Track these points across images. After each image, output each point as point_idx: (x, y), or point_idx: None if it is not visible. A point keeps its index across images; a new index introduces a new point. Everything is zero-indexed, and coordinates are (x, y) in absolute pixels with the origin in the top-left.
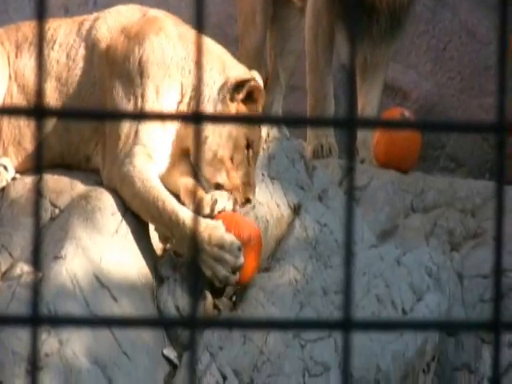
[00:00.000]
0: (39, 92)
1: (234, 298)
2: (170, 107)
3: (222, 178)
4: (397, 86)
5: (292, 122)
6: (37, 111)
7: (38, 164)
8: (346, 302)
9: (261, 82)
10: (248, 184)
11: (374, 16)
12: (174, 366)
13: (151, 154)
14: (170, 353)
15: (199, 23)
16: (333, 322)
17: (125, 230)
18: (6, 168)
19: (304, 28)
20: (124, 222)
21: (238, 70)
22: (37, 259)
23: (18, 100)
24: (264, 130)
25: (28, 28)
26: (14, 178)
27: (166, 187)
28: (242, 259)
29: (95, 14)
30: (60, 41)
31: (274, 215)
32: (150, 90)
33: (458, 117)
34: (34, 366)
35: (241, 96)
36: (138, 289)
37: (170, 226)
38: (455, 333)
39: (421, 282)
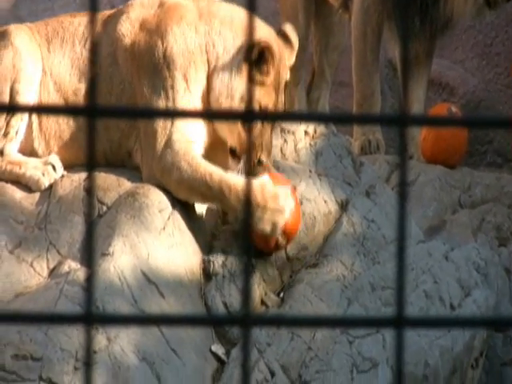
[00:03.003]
0: (92, 91)
1: (281, 295)
2: (199, 93)
3: (234, 141)
4: (444, 81)
5: (344, 120)
6: (89, 110)
7: (89, 164)
8: (398, 299)
9: (293, 36)
10: (260, 146)
11: (428, 14)
12: (221, 363)
13: (190, 139)
14: (218, 349)
15: (250, 19)
16: (385, 319)
17: (172, 227)
18: (54, 167)
19: (346, 24)
20: (171, 218)
21: (260, 33)
22: (89, 257)
23: (55, 98)
24: (311, 126)
25: (56, 23)
26: (61, 176)
27: None
28: (292, 202)
29: (120, 8)
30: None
31: (322, 211)
32: (179, 80)
33: (505, 111)
34: (88, 365)
35: (253, 56)
36: (185, 285)
37: (221, 196)
38: (504, 329)
39: (469, 278)
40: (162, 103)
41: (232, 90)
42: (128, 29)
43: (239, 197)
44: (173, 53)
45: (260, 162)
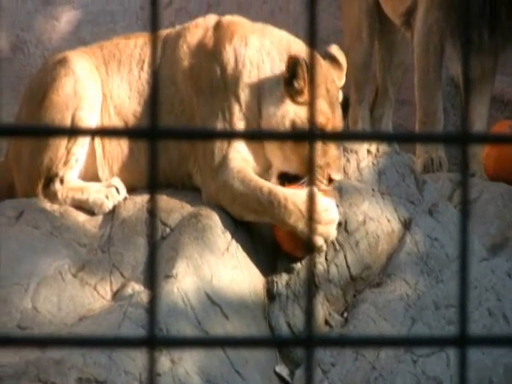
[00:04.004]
0: (152, 112)
1: (345, 315)
2: (252, 106)
3: (291, 167)
4: (506, 98)
5: (406, 139)
6: (150, 133)
7: (151, 186)
8: (461, 317)
9: (340, 56)
10: (326, 165)
11: (494, 29)
12: (286, 383)
13: (247, 158)
14: (283, 370)
15: (312, 40)
16: (448, 338)
17: (235, 248)
18: (117, 189)
19: (410, 41)
20: (234, 239)
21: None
22: (152, 279)
23: (116, 120)
24: (374, 145)
25: (111, 45)
26: (124, 198)
27: None
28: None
29: (177, 30)
30: (148, 60)
31: (385, 230)
32: (232, 102)
33: None
34: None
35: (286, 73)
36: (249, 306)
37: (271, 210)
38: None
39: None
40: (219, 125)
41: (281, 119)
42: (186, 52)
43: (289, 210)
44: (226, 72)
45: (331, 181)
